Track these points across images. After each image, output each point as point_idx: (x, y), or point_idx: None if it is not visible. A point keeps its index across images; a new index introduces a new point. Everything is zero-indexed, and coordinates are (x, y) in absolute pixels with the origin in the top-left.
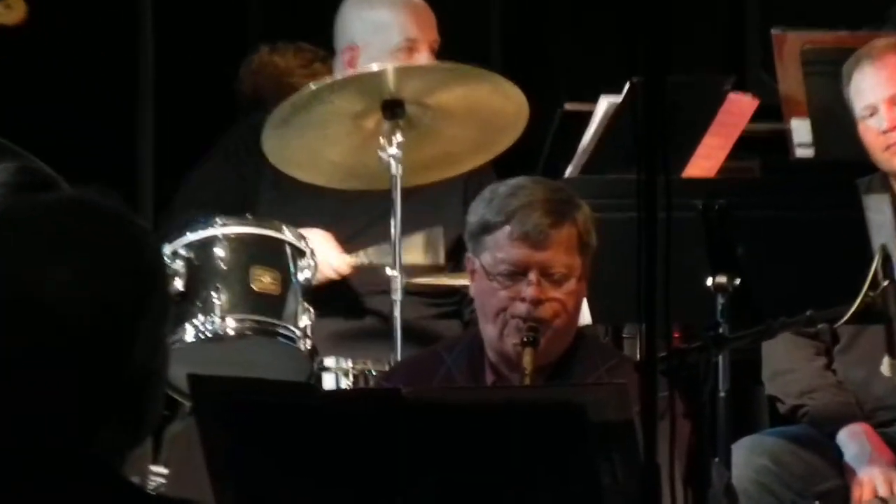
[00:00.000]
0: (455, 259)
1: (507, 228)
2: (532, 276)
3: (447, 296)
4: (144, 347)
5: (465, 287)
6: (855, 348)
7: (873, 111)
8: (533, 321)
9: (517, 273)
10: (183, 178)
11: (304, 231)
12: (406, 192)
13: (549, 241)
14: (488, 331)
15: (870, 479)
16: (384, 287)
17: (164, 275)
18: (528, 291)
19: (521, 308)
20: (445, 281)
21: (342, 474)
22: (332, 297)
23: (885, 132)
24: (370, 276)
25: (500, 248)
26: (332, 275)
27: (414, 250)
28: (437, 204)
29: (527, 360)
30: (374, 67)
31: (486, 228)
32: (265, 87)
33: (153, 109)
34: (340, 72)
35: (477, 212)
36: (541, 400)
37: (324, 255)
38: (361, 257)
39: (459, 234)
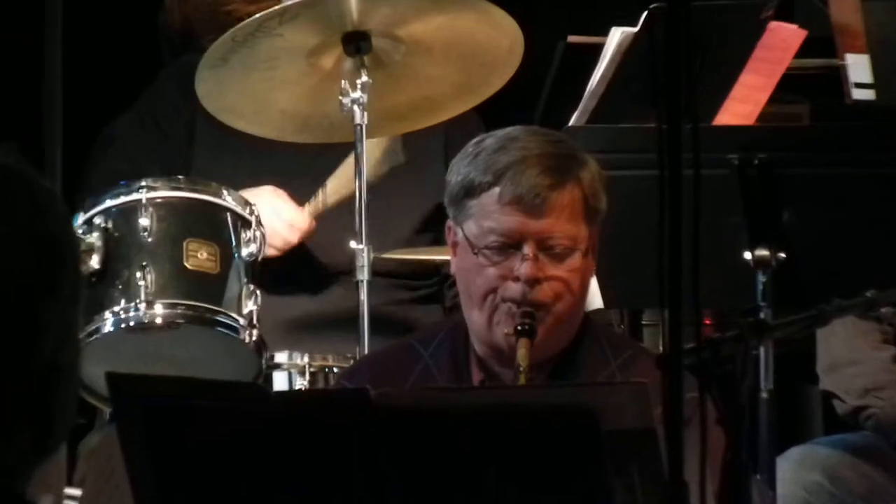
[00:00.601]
0: (435, 229)
1: (497, 190)
2: (527, 249)
3: (425, 276)
4: (50, 337)
5: (448, 265)
6: None
7: None
8: (529, 305)
9: (509, 246)
10: (100, 133)
11: (251, 192)
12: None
13: (547, 206)
14: (474, 318)
15: None
16: (347, 265)
17: (75, 248)
18: (523, 268)
19: (514, 289)
20: (422, 256)
21: (295, 494)
22: (283, 276)
23: None
24: (330, 251)
25: (487, 215)
26: (293, 236)
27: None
28: (413, 161)
29: (521, 353)
30: None
31: (471, 191)
32: (197, 19)
33: (61, 48)
34: None
35: (459, 170)
36: (542, 404)
37: (278, 213)
38: (319, 200)
39: (441, 198)
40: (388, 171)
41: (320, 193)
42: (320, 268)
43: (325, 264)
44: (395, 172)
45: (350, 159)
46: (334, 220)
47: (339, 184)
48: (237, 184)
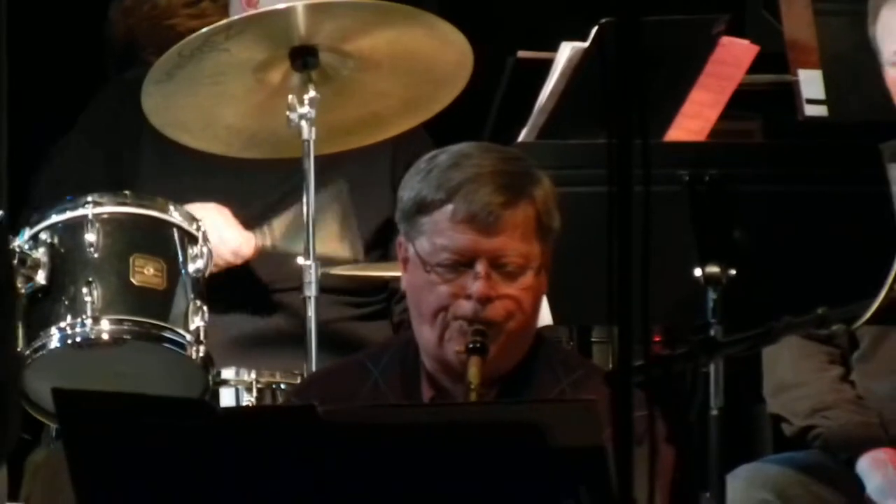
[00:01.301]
0: (382, 247)
1: (449, 208)
2: (480, 267)
3: (372, 292)
4: None
5: (395, 280)
6: (878, 355)
7: None
8: (480, 323)
9: (461, 264)
10: (47, 150)
11: (196, 206)
12: (321, 163)
13: (500, 225)
14: (425, 335)
15: None
16: (295, 281)
17: (6, 259)
18: (475, 287)
19: (465, 307)
20: (370, 273)
21: None
22: (230, 293)
23: None
24: (277, 268)
25: (440, 233)
26: (232, 258)
27: (328, 239)
28: (359, 178)
29: (472, 371)
30: (280, 5)
31: (423, 208)
32: (140, 31)
33: (6, 60)
34: (237, 11)
35: (412, 186)
36: (490, 421)
37: (220, 233)
38: (267, 238)
39: (387, 215)
40: (344, 258)
41: (268, 235)
42: (268, 284)
43: (273, 281)
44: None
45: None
46: (282, 237)
47: (288, 237)
48: (183, 200)
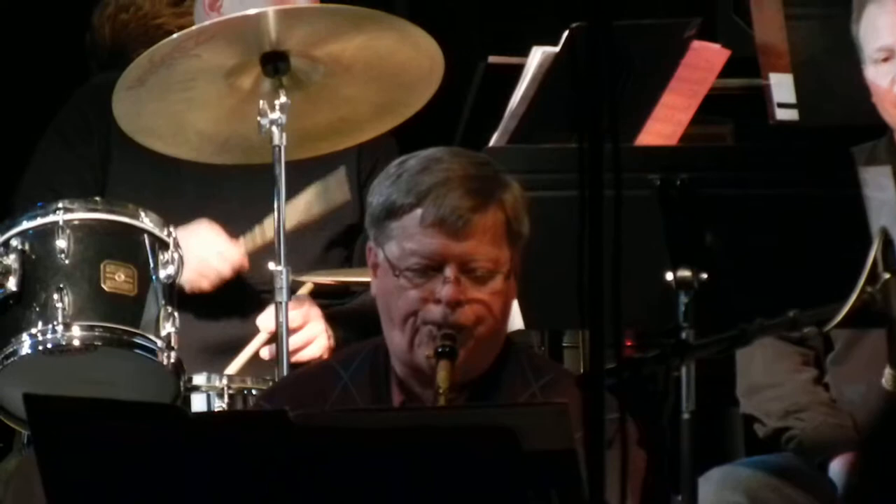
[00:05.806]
0: (346, 250)
1: (419, 212)
2: (449, 271)
3: (339, 296)
4: None
5: (363, 286)
6: (851, 358)
7: (889, 55)
8: (450, 328)
9: (431, 268)
10: (29, 161)
11: (187, 228)
12: (289, 168)
13: (470, 229)
14: (395, 340)
15: None
16: (266, 286)
17: None
18: (445, 291)
19: (435, 312)
20: (337, 279)
21: None
22: (201, 299)
23: None
24: (248, 273)
25: (409, 237)
26: (224, 266)
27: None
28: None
29: (442, 375)
30: (251, 11)
31: (393, 212)
32: (127, 34)
33: None
34: (201, 16)
35: (381, 191)
36: (461, 425)
37: (211, 243)
38: (257, 237)
39: (350, 221)
40: (329, 208)
41: (257, 230)
42: (238, 290)
43: (244, 286)
44: (339, 208)
45: (293, 200)
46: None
47: (271, 225)
48: (152, 206)
